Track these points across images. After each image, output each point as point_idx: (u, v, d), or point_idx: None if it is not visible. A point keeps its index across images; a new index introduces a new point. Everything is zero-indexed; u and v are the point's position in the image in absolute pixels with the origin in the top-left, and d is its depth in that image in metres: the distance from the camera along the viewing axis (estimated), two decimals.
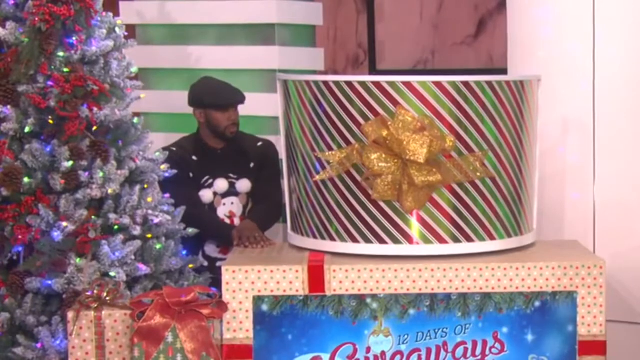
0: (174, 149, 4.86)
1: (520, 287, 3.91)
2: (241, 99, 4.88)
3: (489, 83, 3.97)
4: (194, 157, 4.88)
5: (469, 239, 4.00)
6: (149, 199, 4.38)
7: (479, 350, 3.92)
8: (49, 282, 4.20)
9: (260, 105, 5.43)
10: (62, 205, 4.22)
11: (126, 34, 4.55)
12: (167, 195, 4.56)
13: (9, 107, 4.28)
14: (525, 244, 4.16)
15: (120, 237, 4.26)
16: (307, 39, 5.83)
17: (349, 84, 3.95)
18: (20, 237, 4.22)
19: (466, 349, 3.92)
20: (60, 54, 4.29)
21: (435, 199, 3.96)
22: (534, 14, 4.84)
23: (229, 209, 4.90)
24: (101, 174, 4.26)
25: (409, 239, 3.97)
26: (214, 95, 4.84)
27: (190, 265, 4.61)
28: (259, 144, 4.98)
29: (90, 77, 4.30)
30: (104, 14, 4.45)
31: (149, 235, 4.38)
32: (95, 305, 3.87)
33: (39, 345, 4.18)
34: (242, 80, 5.26)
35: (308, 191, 4.10)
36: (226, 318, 3.90)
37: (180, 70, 5.68)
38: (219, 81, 4.95)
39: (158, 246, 4.39)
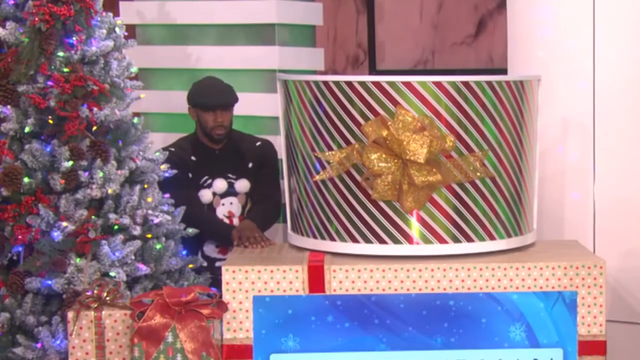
0: (173, 149, 4.86)
1: (520, 287, 3.91)
2: (228, 101, 4.85)
3: (489, 83, 3.97)
4: (193, 158, 4.88)
5: (469, 239, 4.00)
6: (149, 199, 4.38)
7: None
8: (49, 282, 4.20)
9: (260, 105, 5.43)
10: (62, 205, 4.23)
11: (126, 34, 4.55)
12: (167, 195, 4.56)
13: (9, 107, 4.29)
14: (525, 244, 4.16)
15: (120, 237, 4.26)
16: (307, 39, 5.83)
17: (349, 84, 3.95)
18: (20, 237, 4.22)
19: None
20: (60, 54, 4.29)
21: (435, 199, 3.95)
22: (534, 14, 4.84)
23: (228, 209, 4.90)
24: (101, 174, 4.26)
25: (409, 239, 3.97)
26: (202, 95, 4.85)
27: (190, 265, 4.61)
28: (258, 143, 4.98)
29: (90, 77, 4.30)
30: (104, 14, 4.45)
31: (149, 235, 4.38)
32: (95, 305, 3.86)
33: (39, 345, 4.18)
34: (242, 80, 5.26)
35: (308, 191, 4.10)
36: (226, 318, 3.90)
37: (180, 70, 5.68)
38: (217, 82, 4.94)
39: (158, 246, 4.39)
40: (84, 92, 4.27)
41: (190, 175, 4.85)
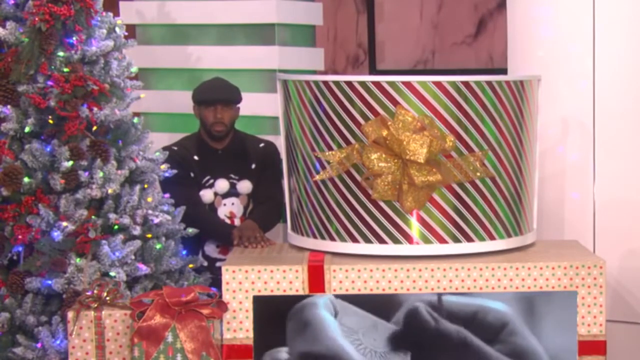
0: (176, 148, 4.87)
1: (520, 287, 3.91)
2: (228, 98, 4.86)
3: (489, 83, 3.97)
4: (196, 157, 4.89)
5: (469, 239, 4.00)
6: (149, 199, 4.39)
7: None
8: (49, 282, 4.20)
9: (260, 105, 5.44)
10: (62, 205, 4.23)
11: (126, 33, 4.55)
12: (167, 195, 4.57)
13: (9, 107, 4.29)
14: (525, 244, 4.16)
15: (120, 237, 4.26)
16: (307, 39, 5.83)
17: (349, 84, 3.95)
18: (20, 237, 4.22)
19: None
20: (60, 53, 4.29)
21: (435, 199, 3.95)
22: (534, 14, 4.84)
23: (229, 209, 4.89)
24: (101, 174, 4.26)
25: (409, 239, 3.97)
26: (204, 91, 4.88)
27: (190, 265, 4.61)
28: (261, 145, 4.98)
29: (90, 77, 4.30)
30: (104, 13, 4.45)
31: (149, 235, 4.38)
32: (95, 305, 3.86)
33: (39, 345, 4.18)
34: (242, 80, 5.26)
35: (308, 191, 4.10)
36: (226, 318, 3.90)
37: (180, 70, 5.69)
38: (222, 81, 4.96)
39: (158, 246, 4.39)
40: (84, 92, 4.27)
41: (192, 174, 4.85)
